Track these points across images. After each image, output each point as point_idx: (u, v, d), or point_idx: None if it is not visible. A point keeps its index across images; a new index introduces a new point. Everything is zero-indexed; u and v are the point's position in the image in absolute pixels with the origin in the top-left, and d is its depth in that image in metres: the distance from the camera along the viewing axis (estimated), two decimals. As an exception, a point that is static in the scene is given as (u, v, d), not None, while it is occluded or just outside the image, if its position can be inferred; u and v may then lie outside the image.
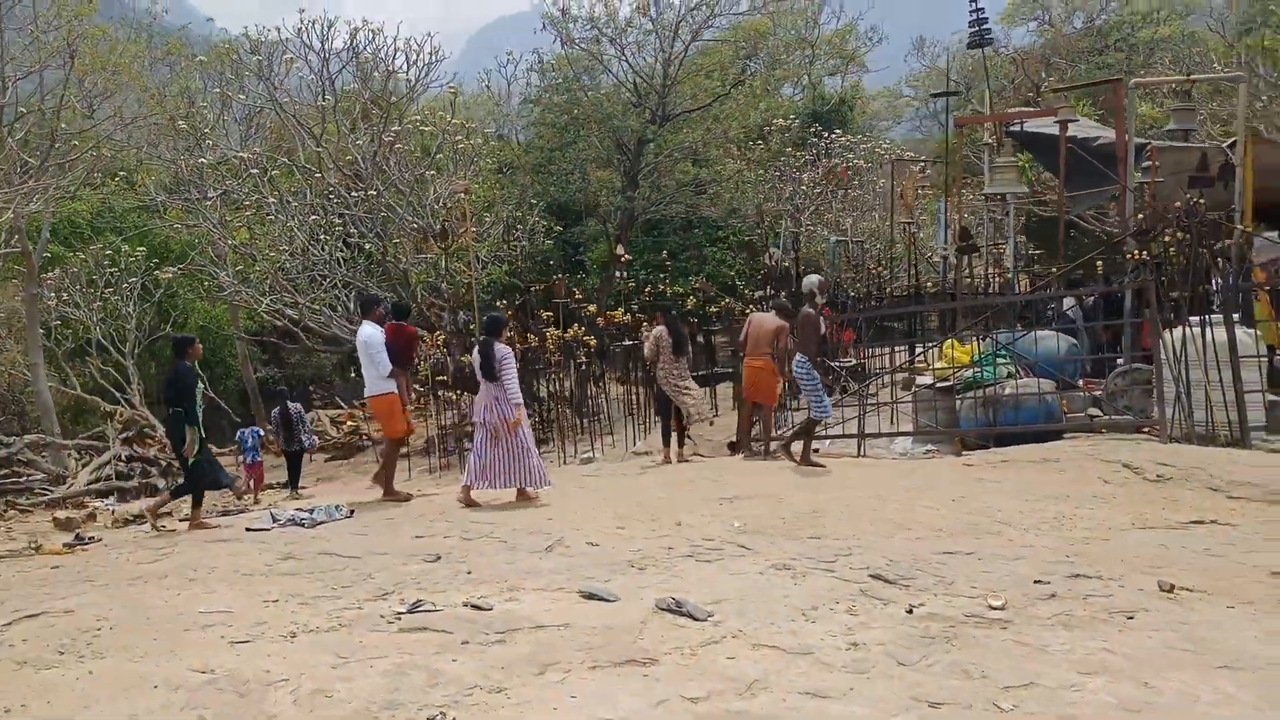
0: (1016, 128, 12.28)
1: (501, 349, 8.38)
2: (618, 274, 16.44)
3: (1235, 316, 9.01)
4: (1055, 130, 11.27)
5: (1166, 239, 8.93)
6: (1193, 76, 11.79)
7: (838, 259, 16.37)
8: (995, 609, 4.80)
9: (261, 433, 15.31)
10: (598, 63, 19.61)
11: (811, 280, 9.26)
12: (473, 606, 5.20)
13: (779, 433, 11.12)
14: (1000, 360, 10.06)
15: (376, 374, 8.88)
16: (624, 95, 19.90)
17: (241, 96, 19.91)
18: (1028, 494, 7.86)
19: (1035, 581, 5.19)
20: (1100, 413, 9.93)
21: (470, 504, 8.53)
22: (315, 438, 16.57)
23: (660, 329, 10.80)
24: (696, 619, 4.84)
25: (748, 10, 20.16)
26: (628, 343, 14.55)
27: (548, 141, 19.87)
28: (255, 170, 17.05)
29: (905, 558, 5.77)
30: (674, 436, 11.21)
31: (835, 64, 46.81)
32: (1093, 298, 12.08)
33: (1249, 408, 8.75)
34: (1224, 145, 10.94)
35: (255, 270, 18.07)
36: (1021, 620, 4.66)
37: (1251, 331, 9.08)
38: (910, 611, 4.81)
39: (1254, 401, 8.81)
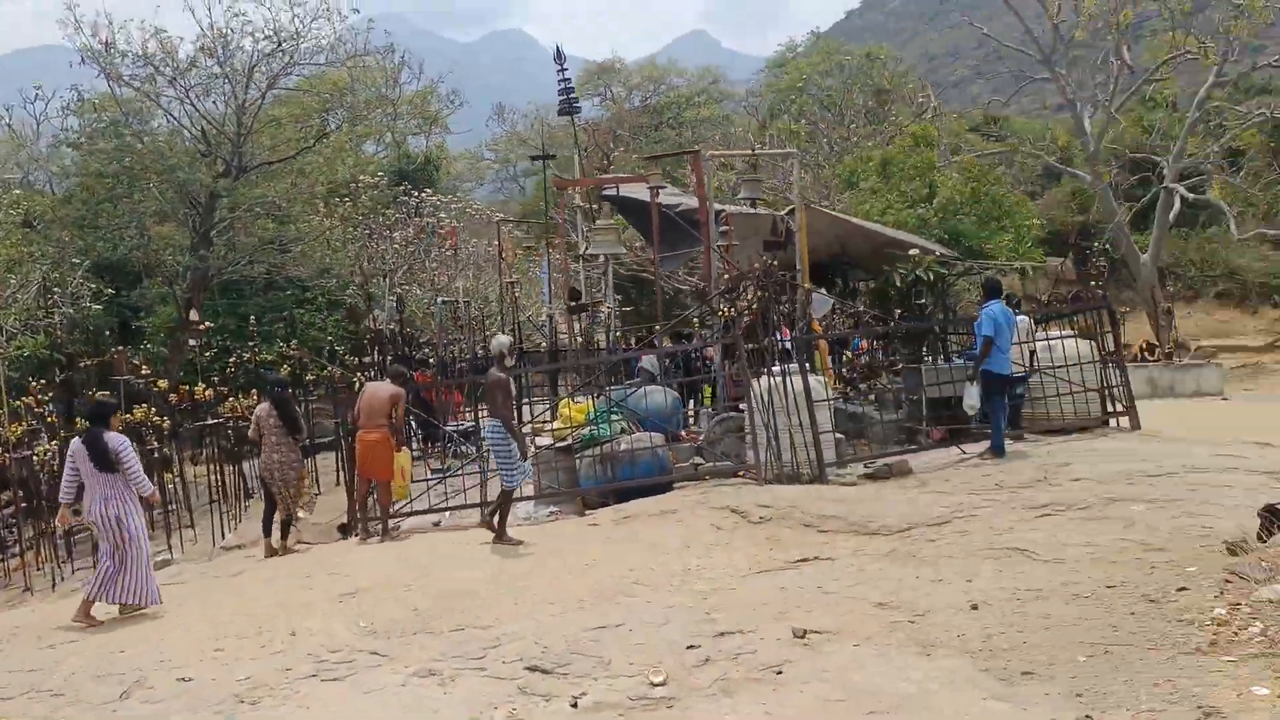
0: (610, 192, 12.98)
1: (116, 437, 7.61)
2: (191, 342, 14.43)
3: (807, 365, 10.18)
4: (644, 196, 12.05)
5: (750, 296, 9.87)
6: (757, 151, 13.41)
7: (444, 319, 16.01)
8: (658, 685, 4.66)
9: None
10: (155, 105, 17.27)
11: (501, 341, 8.87)
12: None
13: (396, 509, 10.33)
14: (614, 417, 10.33)
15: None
16: (186, 144, 17.73)
17: None
18: (654, 549, 8.02)
19: (688, 647, 5.16)
20: (703, 460, 10.61)
21: (93, 623, 7.30)
22: None
23: (263, 406, 9.47)
24: (336, 762, 4.07)
25: (326, 63, 19.16)
26: (212, 421, 12.74)
27: (93, 192, 16.99)
28: None
29: (557, 640, 5.46)
30: (276, 525, 9.95)
31: (418, 124, 46.98)
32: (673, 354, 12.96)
33: (822, 447, 9.87)
34: (783, 214, 12.54)
35: None
36: (685, 694, 4.56)
37: (821, 379, 10.35)
38: (575, 705, 4.50)
39: (825, 440, 9.97)
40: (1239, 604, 4.99)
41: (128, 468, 7.53)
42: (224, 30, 17.09)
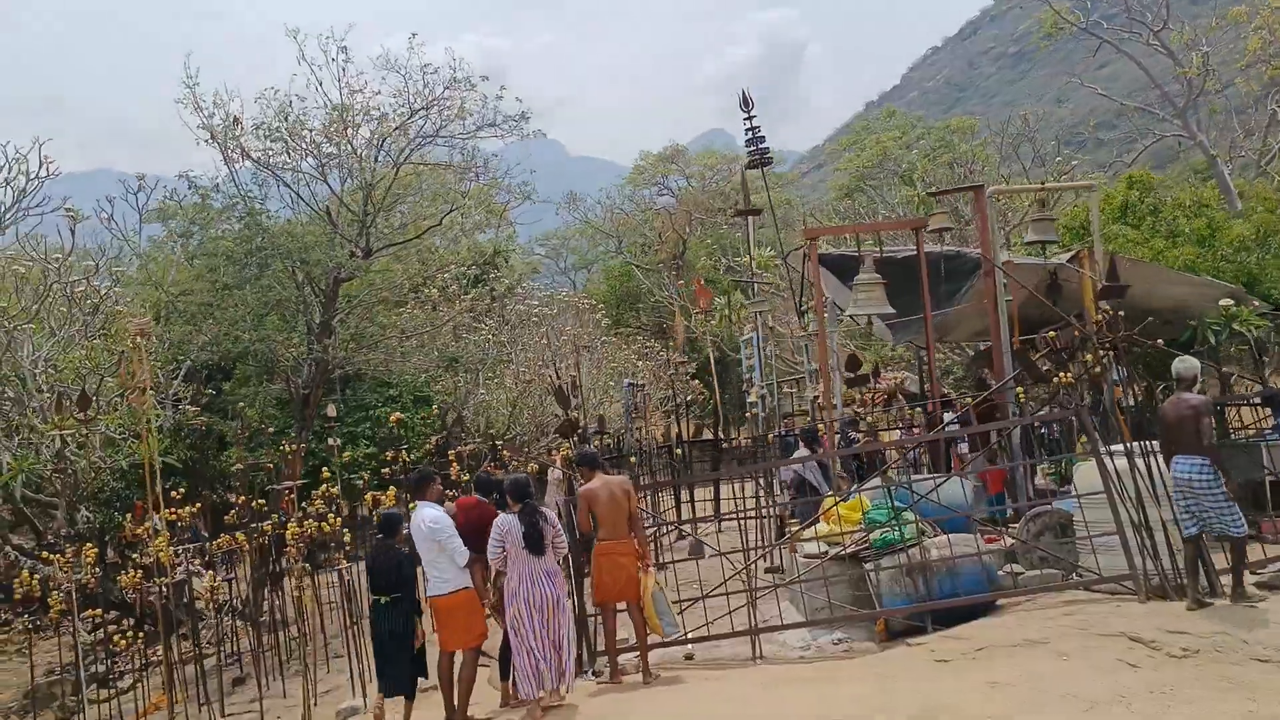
0: (837, 252, 11.26)
1: (552, 516, 7.44)
2: (332, 441, 12.69)
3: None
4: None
5: (1089, 358, 7.92)
6: (1046, 185, 11.72)
7: (630, 405, 14.14)
8: None
9: None
10: (280, 183, 16.01)
11: (1193, 364, 7.28)
12: None
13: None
14: (906, 515, 8.23)
15: (454, 565, 7.27)
16: (310, 224, 16.40)
17: None
18: (1071, 699, 5.88)
19: None
20: (1020, 568, 8.43)
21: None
22: None
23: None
24: None
25: (463, 134, 17.88)
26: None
27: (218, 279, 15.58)
28: None
29: None
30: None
31: (482, 217, 46.52)
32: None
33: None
34: (1063, 260, 10.65)
35: None
36: None
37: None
38: None
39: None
40: None
41: (558, 545, 7.33)
42: (349, 106, 15.92)
